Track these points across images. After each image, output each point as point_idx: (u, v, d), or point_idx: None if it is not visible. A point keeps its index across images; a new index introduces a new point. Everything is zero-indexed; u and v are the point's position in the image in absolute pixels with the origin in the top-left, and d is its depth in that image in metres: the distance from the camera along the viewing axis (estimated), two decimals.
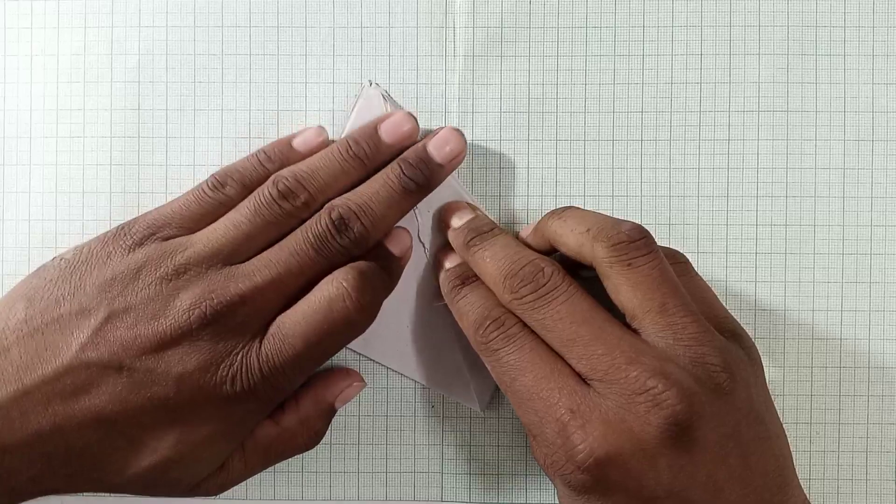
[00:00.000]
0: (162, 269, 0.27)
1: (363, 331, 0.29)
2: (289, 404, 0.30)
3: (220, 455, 0.29)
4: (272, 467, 0.31)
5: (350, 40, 0.33)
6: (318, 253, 0.28)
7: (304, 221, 0.29)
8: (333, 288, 0.28)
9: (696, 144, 0.33)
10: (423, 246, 0.32)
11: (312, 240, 0.28)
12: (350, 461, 0.33)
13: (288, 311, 0.28)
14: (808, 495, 0.33)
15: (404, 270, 0.32)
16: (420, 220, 0.32)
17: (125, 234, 0.28)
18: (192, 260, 0.27)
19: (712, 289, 0.29)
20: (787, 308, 0.33)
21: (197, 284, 0.27)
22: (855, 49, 0.33)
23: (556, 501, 0.33)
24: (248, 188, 0.30)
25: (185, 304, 0.27)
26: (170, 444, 0.27)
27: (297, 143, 0.31)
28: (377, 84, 0.32)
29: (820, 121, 0.33)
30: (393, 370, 0.33)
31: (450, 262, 0.31)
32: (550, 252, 0.30)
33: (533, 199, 0.33)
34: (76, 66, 0.33)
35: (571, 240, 0.28)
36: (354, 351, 0.33)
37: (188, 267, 0.27)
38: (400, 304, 0.32)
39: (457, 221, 0.31)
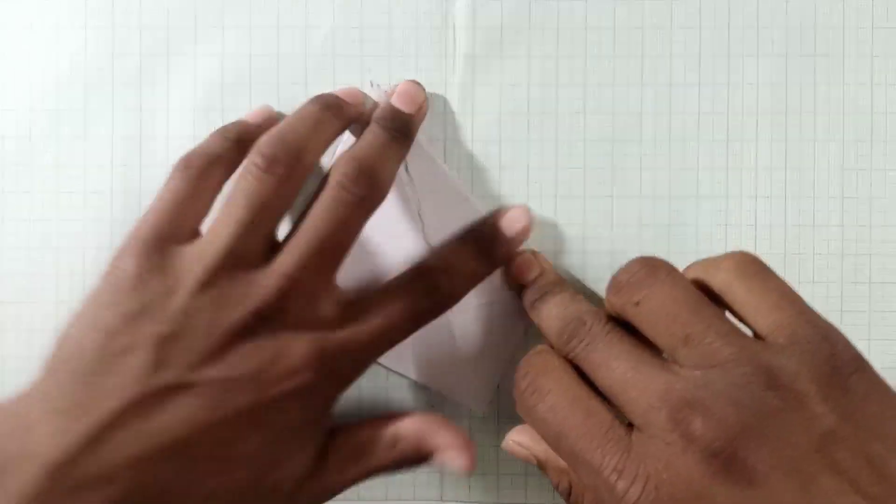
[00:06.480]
0: (187, 286, 0.26)
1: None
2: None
3: (309, 445, 0.27)
4: None
5: (350, 40, 0.33)
6: (348, 209, 0.28)
7: (295, 184, 0.28)
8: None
9: (696, 145, 0.33)
10: (430, 246, 0.32)
11: (340, 199, 0.28)
12: None
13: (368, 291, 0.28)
14: None
15: None
16: (425, 220, 0.32)
17: (126, 258, 0.27)
18: (213, 266, 0.26)
19: (788, 284, 0.25)
20: None
21: (234, 287, 0.26)
22: (855, 49, 0.33)
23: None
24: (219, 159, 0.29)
25: (234, 307, 0.26)
26: (258, 448, 0.26)
27: (249, 117, 0.32)
28: (377, 84, 0.32)
29: (820, 120, 0.33)
30: (393, 370, 0.33)
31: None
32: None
33: (533, 199, 0.33)
34: (77, 66, 0.33)
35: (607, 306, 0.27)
36: None
37: (216, 275, 0.26)
38: None
39: (529, 278, 0.31)
